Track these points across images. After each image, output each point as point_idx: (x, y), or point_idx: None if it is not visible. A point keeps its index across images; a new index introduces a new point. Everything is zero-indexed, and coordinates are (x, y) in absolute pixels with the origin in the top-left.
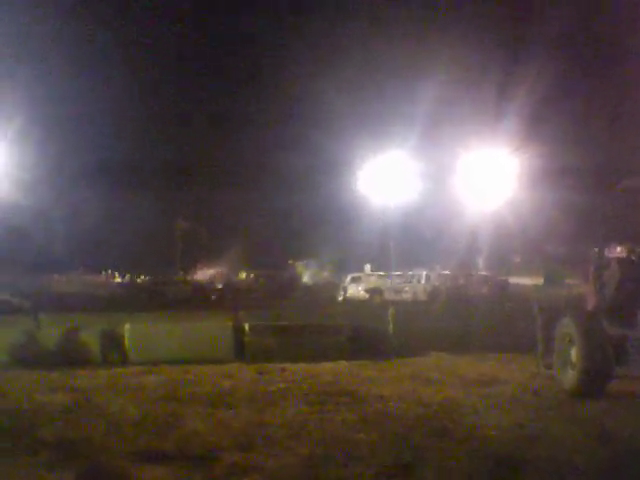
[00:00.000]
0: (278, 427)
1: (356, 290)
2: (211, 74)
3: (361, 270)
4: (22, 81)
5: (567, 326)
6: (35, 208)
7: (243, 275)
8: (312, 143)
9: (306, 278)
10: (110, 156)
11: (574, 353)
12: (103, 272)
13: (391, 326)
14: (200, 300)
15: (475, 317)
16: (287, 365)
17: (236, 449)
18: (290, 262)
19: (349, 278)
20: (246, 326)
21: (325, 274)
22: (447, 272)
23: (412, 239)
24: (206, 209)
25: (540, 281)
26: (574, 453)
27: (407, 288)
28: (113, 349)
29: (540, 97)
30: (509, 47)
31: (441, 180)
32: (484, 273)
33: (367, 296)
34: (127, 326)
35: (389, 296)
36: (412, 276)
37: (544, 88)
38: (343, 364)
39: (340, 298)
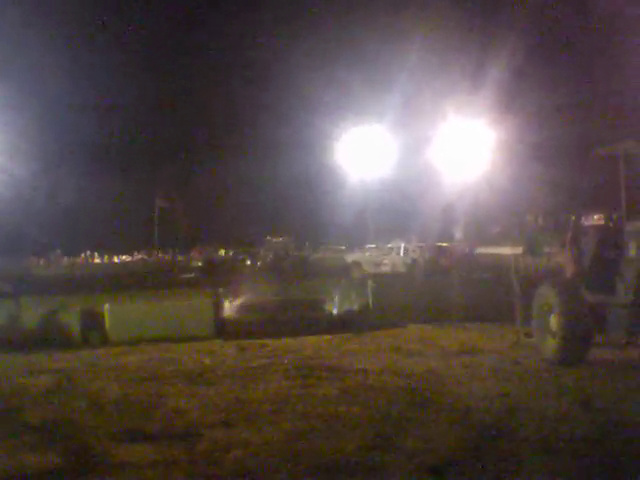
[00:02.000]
0: (260, 402)
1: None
2: (185, 49)
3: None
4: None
5: (546, 294)
6: (12, 191)
7: (222, 252)
8: (288, 117)
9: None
10: (87, 137)
11: (553, 321)
12: (82, 254)
13: (371, 299)
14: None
15: (453, 288)
16: (268, 341)
17: (219, 426)
18: (267, 238)
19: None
20: (226, 303)
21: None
22: (423, 244)
23: (389, 212)
24: (182, 187)
25: (519, 251)
26: (557, 421)
27: (386, 261)
28: (93, 330)
29: (517, 68)
30: (486, 18)
31: (418, 152)
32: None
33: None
34: (107, 306)
35: (368, 269)
36: (391, 249)
37: (521, 59)
38: (324, 338)
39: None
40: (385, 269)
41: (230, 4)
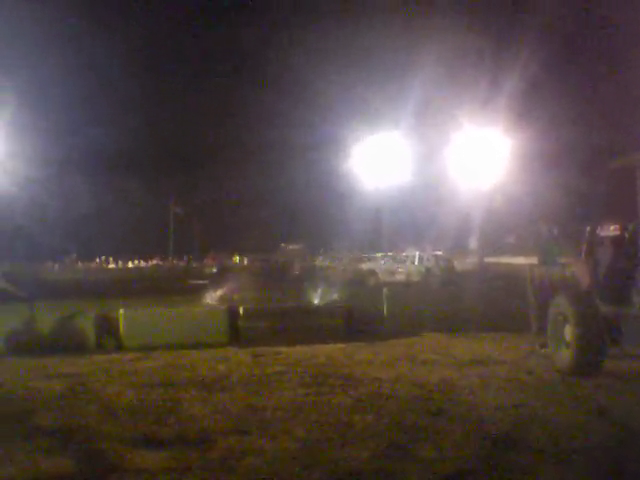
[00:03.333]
0: (274, 410)
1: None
2: (205, 58)
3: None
4: (13, 68)
5: (561, 305)
6: (28, 196)
7: (236, 259)
8: (304, 125)
9: (300, 261)
10: (104, 143)
11: (568, 332)
12: (97, 259)
13: (385, 307)
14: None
15: (467, 297)
16: (282, 348)
17: (233, 433)
18: (282, 245)
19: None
20: (241, 310)
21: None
22: (439, 253)
23: (404, 220)
24: (198, 194)
25: (534, 260)
26: (571, 432)
27: (400, 269)
28: (108, 335)
29: (533, 77)
30: (502, 27)
31: (434, 161)
32: (437, 252)
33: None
34: (122, 311)
35: (383, 277)
36: (405, 257)
37: (537, 68)
38: (338, 346)
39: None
40: (400, 277)
41: (247, 12)
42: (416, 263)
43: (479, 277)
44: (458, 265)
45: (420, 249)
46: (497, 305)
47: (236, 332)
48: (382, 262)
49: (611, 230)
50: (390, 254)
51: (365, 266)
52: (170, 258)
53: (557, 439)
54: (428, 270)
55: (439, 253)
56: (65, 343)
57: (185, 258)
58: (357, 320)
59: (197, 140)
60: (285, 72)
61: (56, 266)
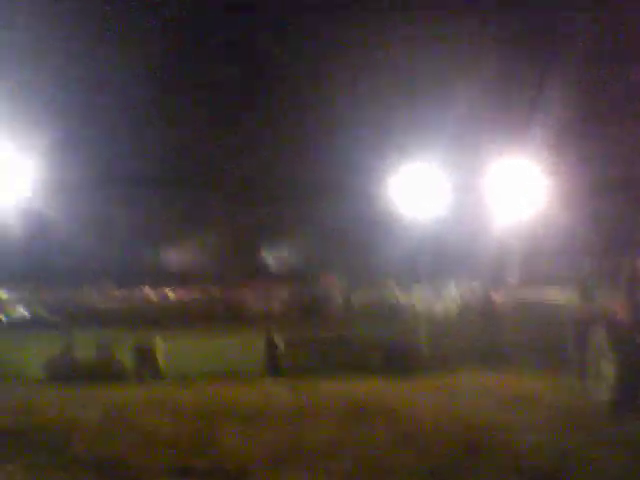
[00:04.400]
0: (311, 444)
1: None
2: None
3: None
4: (51, 92)
5: (600, 340)
6: (66, 222)
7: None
8: (339, 153)
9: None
10: (145, 169)
11: (608, 367)
12: (136, 287)
13: (425, 341)
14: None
15: (506, 332)
16: (321, 381)
17: (270, 466)
18: (319, 275)
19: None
20: (280, 341)
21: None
22: (476, 286)
23: (440, 251)
24: (233, 221)
25: (573, 294)
26: (609, 470)
27: (438, 302)
28: (146, 364)
29: (574, 108)
30: (541, 57)
31: (470, 192)
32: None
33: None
34: (160, 341)
35: (421, 309)
36: (443, 289)
37: (578, 99)
38: (376, 380)
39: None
40: (437, 310)
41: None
42: (454, 295)
43: (518, 310)
44: (496, 297)
45: (458, 281)
46: (536, 340)
47: (275, 363)
48: (420, 294)
49: None
50: (428, 286)
51: (403, 298)
52: (210, 288)
53: (596, 477)
54: (467, 303)
55: (477, 285)
56: (102, 372)
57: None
58: (396, 353)
59: (233, 170)
60: (319, 100)
61: (95, 294)
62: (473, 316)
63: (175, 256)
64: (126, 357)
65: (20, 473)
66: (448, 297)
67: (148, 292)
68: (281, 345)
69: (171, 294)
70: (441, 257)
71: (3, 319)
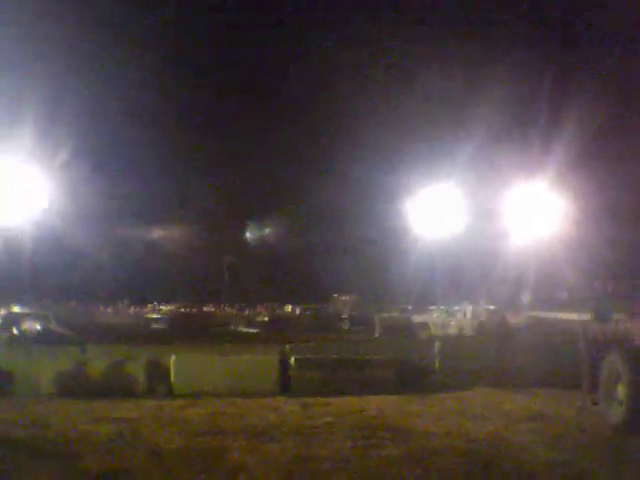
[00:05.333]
0: (323, 461)
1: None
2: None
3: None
4: (69, 114)
5: (614, 362)
6: (81, 240)
7: (289, 308)
8: (357, 176)
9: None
10: (156, 190)
11: (621, 389)
12: (149, 304)
13: (437, 361)
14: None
15: (520, 353)
16: (332, 399)
17: None
18: (334, 296)
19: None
20: (292, 359)
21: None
22: (492, 307)
23: (456, 273)
24: (252, 244)
25: (587, 317)
26: None
27: (453, 322)
28: (159, 380)
29: (590, 131)
30: (560, 78)
31: (487, 214)
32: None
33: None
34: (173, 357)
35: (435, 330)
36: (458, 310)
37: (594, 122)
38: (389, 398)
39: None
40: (452, 331)
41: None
42: (469, 317)
43: (532, 332)
44: (511, 319)
45: (473, 303)
46: (550, 361)
47: (287, 381)
48: (435, 315)
49: None
50: (442, 307)
51: (417, 319)
52: (222, 306)
53: None
54: (481, 324)
55: (492, 307)
56: (115, 387)
57: (238, 306)
58: (408, 373)
59: (248, 192)
60: (338, 123)
61: (109, 310)
62: (488, 336)
63: (189, 274)
64: (139, 372)
65: None
66: (463, 318)
67: (162, 309)
68: (294, 364)
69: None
70: (457, 279)
71: (16, 333)
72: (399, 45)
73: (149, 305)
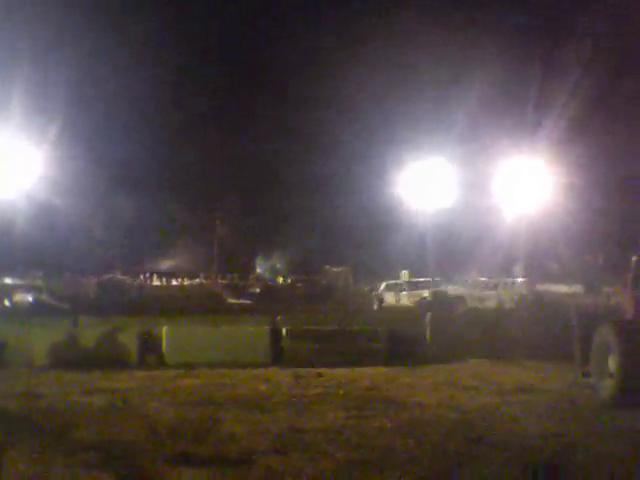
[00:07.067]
0: (315, 432)
1: (393, 298)
2: (241, 78)
3: (397, 277)
4: (62, 85)
5: (605, 334)
6: (74, 213)
7: (280, 279)
8: (350, 149)
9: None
10: (149, 162)
11: (612, 362)
12: (141, 276)
13: (428, 332)
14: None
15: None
16: (324, 370)
17: (273, 453)
18: (326, 267)
19: (383, 285)
20: (283, 331)
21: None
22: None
23: (449, 246)
24: (244, 214)
25: (578, 289)
26: (611, 463)
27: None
28: (151, 351)
29: (582, 104)
30: (549, 54)
31: (479, 187)
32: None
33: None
34: (165, 329)
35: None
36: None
37: (586, 95)
38: (380, 370)
39: (375, 307)
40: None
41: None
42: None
43: (529, 305)
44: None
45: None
46: (541, 333)
47: (279, 353)
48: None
49: None
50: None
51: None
52: (214, 276)
53: (597, 469)
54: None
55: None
56: (107, 359)
57: (230, 277)
58: (400, 344)
59: (244, 164)
60: (331, 98)
61: (99, 281)
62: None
63: (184, 248)
64: (131, 344)
65: (23, 458)
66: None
67: (154, 280)
68: (286, 335)
69: (177, 282)
70: (449, 251)
71: (8, 305)
72: (393, 19)
73: (141, 277)
